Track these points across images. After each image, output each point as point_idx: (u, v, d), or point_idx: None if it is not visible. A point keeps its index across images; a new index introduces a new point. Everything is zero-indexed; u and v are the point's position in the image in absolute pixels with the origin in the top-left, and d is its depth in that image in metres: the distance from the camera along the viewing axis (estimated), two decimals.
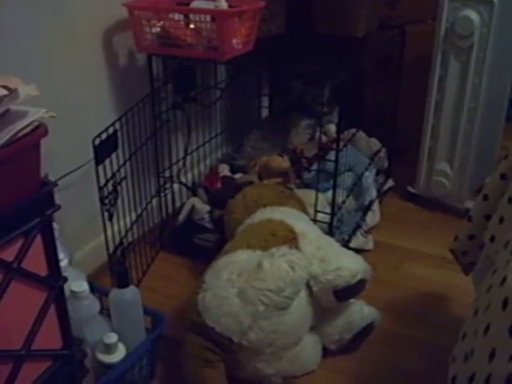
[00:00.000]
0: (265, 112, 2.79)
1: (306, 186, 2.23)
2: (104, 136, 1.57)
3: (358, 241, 2.12)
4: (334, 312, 1.64)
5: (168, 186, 2.12)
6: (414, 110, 2.37)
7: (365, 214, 2.23)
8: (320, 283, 1.55)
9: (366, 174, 2.24)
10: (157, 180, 2.09)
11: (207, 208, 2.12)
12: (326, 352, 1.65)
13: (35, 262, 1.01)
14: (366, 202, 2.25)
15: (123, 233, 1.84)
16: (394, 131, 2.52)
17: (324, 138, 2.31)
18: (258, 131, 2.52)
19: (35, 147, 0.96)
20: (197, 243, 2.07)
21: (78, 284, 1.40)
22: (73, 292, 1.38)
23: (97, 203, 1.62)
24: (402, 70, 2.46)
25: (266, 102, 2.77)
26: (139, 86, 1.94)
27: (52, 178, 1.10)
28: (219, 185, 2.25)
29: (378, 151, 2.42)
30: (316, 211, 1.94)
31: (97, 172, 1.56)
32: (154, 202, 2.09)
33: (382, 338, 1.72)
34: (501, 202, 1.31)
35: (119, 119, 1.68)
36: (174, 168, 2.15)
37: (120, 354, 1.42)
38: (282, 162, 2.25)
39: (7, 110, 0.93)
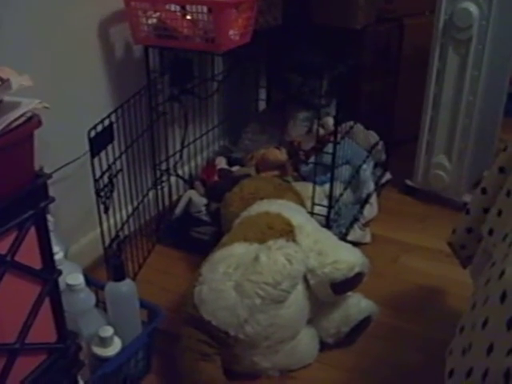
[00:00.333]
0: (262, 104, 2.78)
1: (304, 178, 2.22)
2: (99, 128, 1.56)
3: (355, 234, 2.12)
4: (331, 305, 1.64)
5: (165, 178, 2.11)
6: (412, 102, 2.36)
7: (362, 207, 2.22)
8: (317, 276, 1.55)
9: (364, 166, 2.24)
10: (153, 172, 2.08)
11: (204, 201, 2.11)
12: (323, 345, 1.65)
13: (29, 255, 1.00)
14: (364, 195, 2.24)
15: (119, 226, 1.83)
16: (391, 124, 2.51)
17: (321, 131, 2.30)
18: (256, 124, 2.51)
19: (28, 138, 0.94)
20: (193, 236, 2.07)
21: (73, 277, 1.39)
22: (68, 285, 1.37)
23: (93, 196, 1.62)
24: (400, 62, 2.46)
25: (263, 94, 2.76)
26: (136, 77, 1.93)
27: (47, 171, 1.09)
28: (216, 177, 2.24)
29: (376, 144, 2.41)
30: (313, 204, 1.93)
31: (92, 164, 1.56)
32: (151, 194, 2.08)
33: (380, 331, 1.72)
34: (499, 195, 1.31)
35: (115, 111, 1.67)
36: (171, 160, 2.14)
37: (116, 347, 1.42)
38: (280, 155, 2.24)
39: (0, 101, 0.92)
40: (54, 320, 1.10)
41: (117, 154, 1.71)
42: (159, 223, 2.14)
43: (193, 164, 2.37)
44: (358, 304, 1.66)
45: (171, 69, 2.00)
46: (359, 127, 2.35)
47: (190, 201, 2.11)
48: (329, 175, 1.93)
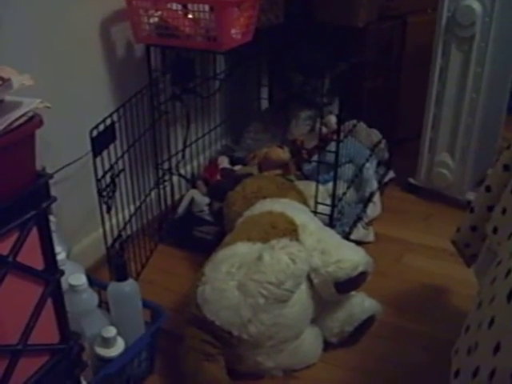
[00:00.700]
0: (264, 103, 2.77)
1: (306, 177, 2.21)
2: (101, 127, 1.55)
3: (358, 233, 2.11)
4: (335, 305, 1.63)
5: (167, 178, 2.10)
6: (414, 100, 2.35)
7: (365, 205, 2.21)
8: (321, 275, 1.54)
9: (367, 165, 2.23)
10: (155, 172, 2.07)
11: (207, 200, 2.11)
12: (327, 345, 1.64)
13: (31, 256, 1.00)
14: (367, 194, 2.23)
15: (122, 225, 1.83)
16: (394, 122, 2.50)
17: (324, 130, 2.29)
18: (258, 123, 2.50)
19: (30, 138, 0.94)
20: (196, 236, 2.06)
21: (76, 277, 1.38)
22: (71, 285, 1.37)
23: (95, 196, 1.61)
24: (402, 60, 2.44)
25: (265, 93, 2.75)
26: (137, 77, 1.92)
27: (49, 171, 1.09)
28: (219, 177, 2.23)
29: (379, 142, 2.40)
30: (316, 203, 1.93)
31: (94, 164, 1.55)
32: (153, 194, 2.08)
33: (383, 330, 1.71)
34: (504, 193, 1.30)
35: (117, 110, 1.67)
36: (173, 160, 2.14)
37: (119, 347, 1.41)
38: (282, 154, 2.23)
39: (1, 101, 0.91)
40: (56, 321, 1.10)
41: (119, 154, 1.70)
42: (162, 223, 2.14)
43: (195, 163, 2.37)
44: (361, 303, 1.65)
45: (173, 68, 2.00)
46: (362, 125, 2.34)
47: (192, 200, 2.11)
48: (332, 174, 1.92)
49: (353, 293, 1.63)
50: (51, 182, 1.02)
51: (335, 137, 1.86)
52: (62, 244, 1.45)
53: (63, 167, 1.66)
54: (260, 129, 2.48)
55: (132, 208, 1.90)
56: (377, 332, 1.69)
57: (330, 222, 1.94)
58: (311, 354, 1.61)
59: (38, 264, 1.02)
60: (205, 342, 1.47)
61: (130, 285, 1.46)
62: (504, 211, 1.26)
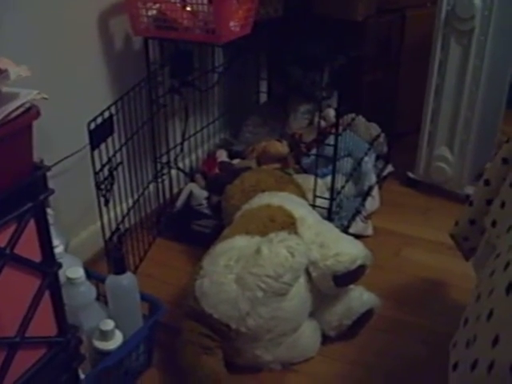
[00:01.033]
0: (263, 97, 2.77)
1: (305, 171, 2.21)
2: (99, 120, 1.54)
3: (357, 226, 2.11)
4: (334, 298, 1.63)
5: (165, 171, 2.10)
6: (413, 94, 2.34)
7: (364, 199, 2.21)
8: (319, 269, 1.54)
9: (366, 159, 2.22)
10: (154, 165, 2.07)
11: (205, 194, 2.10)
12: (325, 338, 1.64)
13: (29, 248, 0.99)
14: (366, 188, 2.23)
15: (120, 219, 1.82)
16: (393, 116, 2.49)
17: (323, 123, 2.28)
18: (257, 116, 2.50)
19: (27, 129, 0.93)
20: (194, 229, 2.06)
21: (73, 270, 1.38)
22: (69, 278, 1.37)
23: (93, 189, 1.61)
24: (401, 54, 2.44)
25: (264, 86, 2.75)
26: (136, 69, 1.92)
27: (47, 164, 1.08)
28: (217, 170, 2.23)
29: (378, 136, 2.40)
30: (315, 196, 1.93)
31: (92, 157, 1.54)
32: (151, 187, 2.07)
33: (382, 324, 1.71)
34: (502, 187, 1.30)
35: (115, 103, 1.66)
36: (172, 153, 2.13)
37: (117, 340, 1.41)
38: (281, 148, 2.23)
39: None
40: (54, 313, 1.09)
41: (117, 147, 1.70)
42: (160, 216, 2.13)
43: (193, 157, 2.36)
44: (360, 297, 1.65)
45: (171, 61, 1.99)
46: (361, 119, 2.34)
47: (190, 194, 2.11)
48: (330, 168, 1.92)
49: (351, 286, 1.63)
50: (49, 174, 1.01)
51: (334, 130, 1.86)
52: (60, 237, 1.45)
53: (61, 160, 1.66)
54: (258, 122, 2.47)
55: (130, 201, 1.89)
56: (375, 325, 1.69)
57: (329, 216, 1.93)
58: (309, 347, 1.61)
59: (36, 256, 1.01)
60: (203, 335, 1.47)
61: (128, 278, 1.46)
62: (503, 205, 1.26)
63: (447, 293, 1.86)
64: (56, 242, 1.21)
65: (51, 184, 1.03)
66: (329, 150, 1.92)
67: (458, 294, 1.83)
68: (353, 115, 2.15)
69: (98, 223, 1.68)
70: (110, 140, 1.62)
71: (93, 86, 1.84)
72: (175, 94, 2.05)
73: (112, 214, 1.74)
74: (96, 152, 1.56)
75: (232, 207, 1.82)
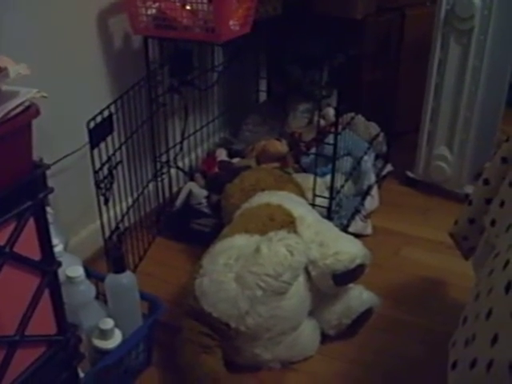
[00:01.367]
0: (263, 96, 2.77)
1: (304, 170, 2.21)
2: (99, 119, 1.54)
3: (356, 226, 2.11)
4: (333, 297, 1.63)
5: (165, 170, 2.10)
6: (413, 93, 2.34)
7: (363, 198, 2.21)
8: (318, 268, 1.54)
9: (365, 158, 2.22)
10: (153, 164, 2.07)
11: (204, 193, 2.10)
12: (325, 337, 1.64)
13: (28, 247, 0.99)
14: (365, 187, 2.23)
15: (119, 218, 1.82)
16: (392, 115, 2.49)
17: (322, 122, 2.28)
18: (256, 115, 2.50)
19: (27, 128, 0.93)
20: (194, 228, 2.06)
21: (73, 269, 1.38)
22: (68, 277, 1.37)
23: (92, 188, 1.61)
24: (401, 53, 2.44)
25: (263, 85, 2.75)
26: (135, 68, 1.91)
27: (47, 162, 1.08)
28: (217, 169, 2.23)
29: (377, 135, 2.40)
30: (314, 195, 1.93)
31: (92, 156, 1.54)
32: (151, 186, 2.07)
33: (381, 323, 1.71)
34: (502, 186, 1.30)
35: (114, 102, 1.66)
36: (171, 152, 2.13)
37: (116, 339, 1.41)
38: (280, 147, 2.23)
39: None
40: (53, 312, 1.09)
41: (116, 146, 1.70)
42: (159, 215, 2.13)
43: (193, 156, 2.36)
44: (359, 296, 1.65)
45: (171, 60, 1.99)
46: (360, 118, 2.34)
47: (190, 193, 2.11)
48: (329, 167, 1.92)
49: (351, 285, 1.63)
50: (49, 173, 1.02)
51: (333, 129, 1.86)
52: (60, 236, 1.45)
53: (61, 159, 1.66)
54: (258, 121, 2.47)
55: (130, 200, 1.89)
56: (374, 324, 1.69)
57: (328, 215, 1.93)
58: (309, 346, 1.61)
59: (35, 255, 1.02)
60: (202, 334, 1.47)
61: (127, 277, 1.46)
62: (502, 204, 1.26)
63: (446, 292, 1.86)
64: (55, 240, 1.21)
65: (51, 183, 1.03)
66: (328, 149, 1.93)
67: (457, 293, 1.83)
68: (352, 114, 2.16)
69: (98, 222, 1.68)
70: (109, 139, 1.62)
71: (92, 85, 1.84)
72: (175, 93, 2.05)
73: (112, 213, 1.74)
74: (95, 151, 1.56)
75: (231, 206, 1.82)
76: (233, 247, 1.54)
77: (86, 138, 1.53)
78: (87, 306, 1.42)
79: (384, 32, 2.43)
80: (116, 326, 1.41)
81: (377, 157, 2.41)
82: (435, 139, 2.29)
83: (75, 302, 1.36)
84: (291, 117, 2.45)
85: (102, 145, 1.59)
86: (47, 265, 1.04)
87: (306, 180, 2.00)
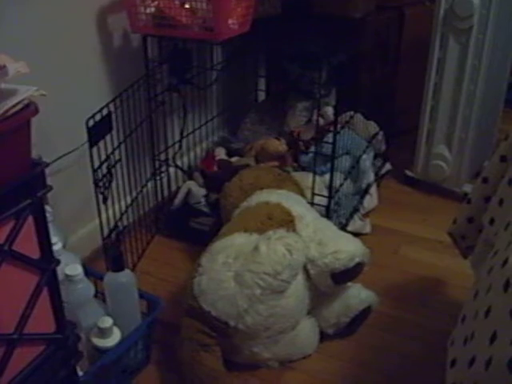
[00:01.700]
0: (261, 95, 2.76)
1: (303, 169, 2.21)
2: (98, 117, 1.54)
3: (355, 224, 2.11)
4: (332, 296, 1.63)
5: (164, 169, 2.09)
6: (412, 92, 2.34)
7: (362, 197, 2.21)
8: (317, 266, 1.54)
9: (364, 157, 2.22)
10: (152, 163, 2.07)
11: (203, 191, 2.10)
12: (323, 336, 1.64)
13: (27, 245, 0.99)
14: (364, 186, 2.23)
15: (118, 216, 1.82)
16: (391, 114, 2.49)
17: (321, 121, 2.28)
18: (255, 114, 2.50)
19: (25, 126, 0.93)
20: (193, 227, 2.06)
21: (72, 268, 1.38)
22: (67, 276, 1.36)
23: (91, 186, 1.61)
24: (400, 52, 2.44)
25: (262, 84, 2.75)
26: (134, 67, 1.91)
27: (46, 161, 1.08)
28: (215, 168, 2.22)
29: (376, 134, 2.39)
30: (313, 194, 1.93)
31: (91, 154, 1.54)
32: (150, 185, 2.07)
33: (380, 322, 1.71)
34: (501, 184, 1.30)
35: (113, 100, 1.66)
36: (170, 151, 2.13)
37: (115, 338, 1.41)
38: (279, 146, 2.23)
39: None
40: (52, 310, 1.09)
41: (115, 144, 1.70)
42: (158, 214, 2.13)
43: (192, 155, 2.36)
44: (358, 294, 1.65)
45: (170, 58, 1.99)
46: (359, 117, 2.33)
47: (189, 191, 2.10)
48: (328, 166, 1.92)
49: (349, 284, 1.63)
50: (47, 172, 1.01)
51: (332, 128, 1.86)
52: (58, 234, 1.45)
53: (59, 157, 1.65)
54: (257, 120, 2.47)
55: (128, 199, 1.89)
56: (373, 323, 1.69)
57: (327, 214, 1.93)
58: (307, 345, 1.61)
59: (34, 253, 1.01)
60: (201, 332, 1.47)
61: (126, 275, 1.46)
62: (501, 202, 1.26)
63: (445, 291, 1.86)
64: (54, 239, 1.21)
65: (50, 181, 1.03)
66: (327, 148, 1.92)
67: (455, 292, 1.83)
68: (351, 113, 2.15)
69: (97, 221, 1.68)
70: (108, 137, 1.62)
71: (91, 83, 1.84)
72: (174, 91, 2.05)
73: (110, 212, 1.74)
74: (94, 149, 1.56)
75: (230, 205, 1.82)
76: (232, 246, 1.54)
77: (85, 137, 1.53)
78: (86, 304, 1.42)
79: (383, 31, 2.43)
80: (115, 324, 1.41)
81: (376, 156, 2.41)
82: (434, 138, 2.29)
83: (74, 301, 1.36)
84: (290, 115, 2.45)
85: (101, 143, 1.59)
86: (46, 263, 1.04)
87: (304, 179, 2.00)
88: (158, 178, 2.08)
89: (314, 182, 1.91)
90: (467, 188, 2.21)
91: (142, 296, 1.53)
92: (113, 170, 1.66)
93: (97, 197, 1.61)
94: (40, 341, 1.08)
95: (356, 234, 1.95)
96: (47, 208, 1.09)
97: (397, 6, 2.44)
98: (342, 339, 1.65)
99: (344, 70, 1.91)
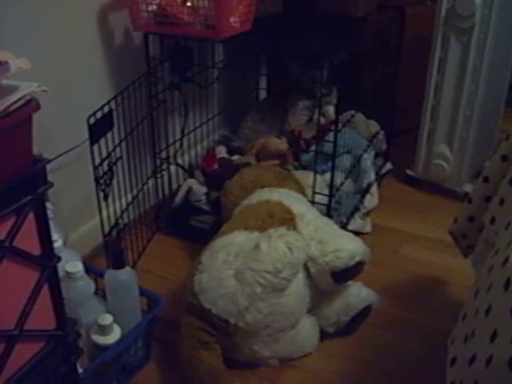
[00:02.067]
0: (263, 93, 2.76)
1: (304, 167, 2.21)
2: (99, 115, 1.54)
3: (356, 223, 2.11)
4: (332, 294, 1.63)
5: (164, 167, 2.10)
6: (413, 92, 2.34)
7: (363, 196, 2.21)
8: (318, 265, 1.54)
9: (365, 156, 2.22)
10: (153, 161, 2.07)
11: (204, 190, 2.10)
12: (324, 335, 1.64)
13: (28, 241, 0.99)
14: (365, 185, 2.23)
15: (119, 214, 1.82)
16: (392, 113, 2.49)
17: (322, 120, 2.28)
18: (256, 113, 2.50)
19: (27, 122, 0.93)
20: (193, 225, 2.06)
21: (72, 265, 1.38)
22: (67, 273, 1.36)
23: (92, 184, 1.61)
24: (401, 51, 2.44)
25: (263, 83, 2.74)
26: (135, 65, 1.91)
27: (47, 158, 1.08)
28: (216, 166, 2.22)
29: (377, 133, 2.39)
30: (314, 193, 1.92)
31: (92, 151, 1.54)
32: (150, 183, 2.07)
33: (380, 320, 1.71)
34: (501, 184, 1.30)
35: (114, 98, 1.66)
36: (171, 149, 2.13)
37: (115, 335, 1.41)
38: (280, 144, 2.23)
39: None
40: (52, 307, 1.09)
41: (116, 142, 1.70)
42: (159, 212, 2.13)
43: (193, 153, 2.36)
44: (358, 293, 1.65)
45: (171, 56, 1.99)
46: (360, 116, 2.33)
47: (189, 190, 2.11)
48: (329, 164, 1.92)
49: (350, 282, 1.63)
50: (48, 169, 1.01)
51: (333, 127, 1.86)
52: (59, 231, 1.45)
53: (61, 154, 1.65)
54: (258, 119, 2.47)
55: (129, 196, 1.89)
56: (373, 322, 1.69)
57: (328, 212, 1.93)
58: (308, 343, 1.61)
59: (35, 249, 1.01)
60: (201, 330, 1.47)
61: (126, 273, 1.46)
62: (502, 202, 1.26)
63: (445, 290, 1.86)
64: (55, 236, 1.21)
65: (50, 178, 1.03)
66: (328, 147, 1.92)
67: (456, 291, 1.83)
68: (352, 112, 2.15)
69: (97, 218, 1.68)
70: (109, 135, 1.62)
71: (93, 81, 1.84)
72: (175, 89, 2.05)
73: (111, 209, 1.74)
74: (95, 147, 1.56)
75: (231, 203, 1.82)
76: (232, 244, 1.54)
77: (86, 134, 1.53)
78: (86, 301, 1.42)
79: (384, 30, 2.43)
80: (115, 321, 1.41)
81: (376, 155, 2.40)
82: (435, 137, 2.29)
83: (74, 298, 1.36)
84: (291, 114, 2.45)
85: (102, 141, 1.59)
86: (47, 259, 1.04)
87: (305, 177, 2.00)
88: (158, 175, 2.08)
89: (314, 180, 1.91)
90: (468, 188, 2.21)
91: (142, 293, 1.53)
92: (114, 168, 1.66)
93: (97, 194, 1.61)
94: (40, 337, 1.08)
95: (357, 233, 1.94)
96: (48, 205, 1.09)
97: (398, 5, 2.44)
98: (342, 338, 1.65)
99: (345, 69, 1.91)
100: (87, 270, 1.44)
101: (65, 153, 1.67)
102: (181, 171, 2.25)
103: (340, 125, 1.85)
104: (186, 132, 2.19)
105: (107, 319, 1.40)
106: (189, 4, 1.74)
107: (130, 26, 1.82)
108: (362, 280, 1.66)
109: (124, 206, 1.87)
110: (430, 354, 1.58)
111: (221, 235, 1.61)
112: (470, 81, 2.12)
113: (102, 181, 1.61)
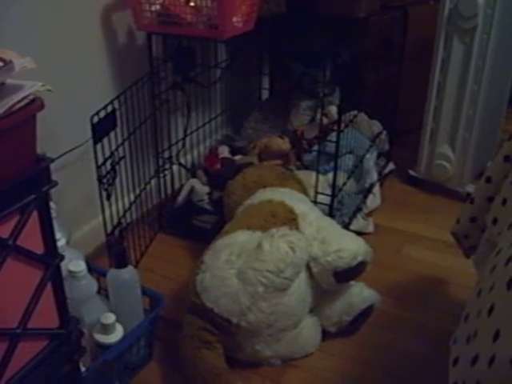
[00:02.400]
0: (265, 93, 2.76)
1: (306, 167, 2.21)
2: (102, 114, 1.55)
3: (358, 224, 2.11)
4: (334, 294, 1.63)
5: (167, 166, 2.10)
6: (415, 92, 2.34)
7: (365, 196, 2.21)
8: (320, 265, 1.54)
9: (367, 156, 2.22)
10: (156, 161, 2.07)
11: (206, 189, 2.11)
12: (326, 334, 1.64)
13: (31, 240, 0.99)
14: (367, 185, 2.23)
15: (122, 213, 1.83)
16: (395, 113, 2.49)
17: (325, 120, 2.28)
18: (259, 113, 2.50)
19: (31, 121, 0.93)
20: (196, 225, 2.06)
21: (75, 264, 1.38)
22: (70, 272, 1.37)
23: (95, 183, 1.61)
24: (404, 51, 2.44)
25: (266, 82, 2.75)
26: (138, 64, 1.92)
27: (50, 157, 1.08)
28: (219, 166, 2.23)
29: (380, 133, 2.40)
30: (316, 193, 1.93)
31: (95, 151, 1.55)
32: (153, 182, 2.07)
33: (382, 320, 1.71)
34: (504, 184, 1.30)
35: (117, 97, 1.66)
36: (174, 149, 2.13)
37: (118, 334, 1.41)
38: (283, 144, 2.23)
39: (2, 84, 0.91)
40: (56, 305, 1.09)
41: (119, 141, 1.70)
42: (161, 211, 2.13)
43: (195, 153, 2.36)
44: (360, 293, 1.65)
45: (174, 56, 1.99)
46: (363, 116, 2.33)
47: (192, 189, 2.11)
48: (332, 164, 1.92)
49: (352, 282, 1.63)
50: (52, 168, 1.02)
51: (336, 127, 1.86)
52: (62, 230, 1.45)
53: (64, 153, 1.65)
54: (260, 119, 2.47)
55: (132, 196, 1.90)
56: (375, 322, 1.69)
57: (330, 212, 1.93)
58: (309, 343, 1.61)
59: (38, 248, 1.02)
60: (203, 329, 1.47)
61: (129, 272, 1.46)
62: (504, 202, 1.26)
63: (447, 290, 1.86)
64: (58, 235, 1.21)
65: (54, 177, 1.03)
66: (330, 147, 1.92)
67: (458, 292, 1.83)
68: (355, 112, 2.15)
69: (100, 217, 1.68)
70: (112, 134, 1.62)
71: (96, 80, 1.84)
72: (178, 89, 2.05)
73: (114, 209, 1.74)
74: (98, 146, 1.56)
75: (233, 203, 1.82)
76: (235, 243, 1.54)
77: (89, 133, 1.53)
78: (89, 300, 1.42)
79: (387, 30, 2.43)
80: (117, 320, 1.42)
81: (379, 155, 2.40)
82: (437, 138, 2.29)
83: (77, 297, 1.37)
84: (294, 114, 2.45)
85: (105, 140, 1.59)
86: (50, 258, 1.04)
87: (308, 177, 2.00)
88: (161, 175, 2.08)
89: (317, 180, 1.92)
90: (470, 188, 2.21)
91: (144, 293, 1.53)
92: (117, 167, 1.66)
93: (100, 193, 1.61)
94: (43, 336, 1.09)
95: (359, 233, 1.94)
96: (51, 204, 1.09)
97: (401, 5, 2.44)
98: (344, 338, 1.65)
99: (348, 69, 1.91)
100: (90, 269, 1.44)
101: (68, 152, 1.68)
102: (183, 171, 2.26)
103: (342, 125, 1.86)
104: (188, 132, 2.19)
105: (110, 318, 1.40)
106: (192, 4, 1.74)
107: (133, 26, 1.83)
108: (364, 280, 1.67)
109: (127, 205, 1.87)
110: (432, 354, 1.58)
111: (223, 235, 1.61)
112: (473, 81, 2.12)
113: (104, 180, 1.61)
